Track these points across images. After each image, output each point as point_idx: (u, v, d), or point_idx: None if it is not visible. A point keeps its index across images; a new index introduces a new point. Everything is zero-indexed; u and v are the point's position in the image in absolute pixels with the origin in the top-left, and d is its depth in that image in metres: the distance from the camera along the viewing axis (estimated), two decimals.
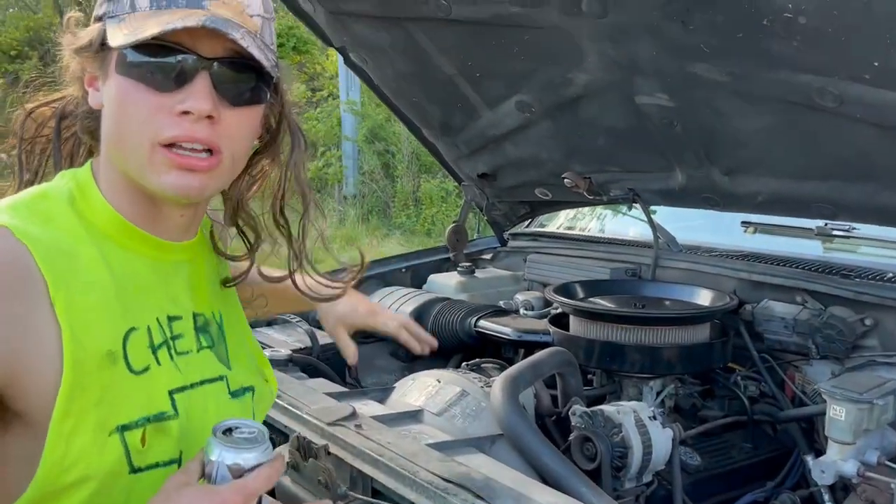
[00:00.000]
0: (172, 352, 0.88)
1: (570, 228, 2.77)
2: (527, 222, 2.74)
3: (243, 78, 0.85)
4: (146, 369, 0.84)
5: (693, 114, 1.75)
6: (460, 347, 2.19)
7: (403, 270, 2.56)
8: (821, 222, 2.02)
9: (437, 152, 2.44)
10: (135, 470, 0.81)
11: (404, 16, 1.84)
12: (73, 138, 0.98)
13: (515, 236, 2.67)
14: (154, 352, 0.86)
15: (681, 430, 1.57)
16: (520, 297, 2.35)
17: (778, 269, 1.93)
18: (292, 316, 2.12)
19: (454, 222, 2.66)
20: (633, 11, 1.51)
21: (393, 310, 2.27)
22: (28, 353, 0.76)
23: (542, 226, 2.78)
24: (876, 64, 1.35)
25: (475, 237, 2.81)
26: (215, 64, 0.82)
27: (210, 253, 1.02)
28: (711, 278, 2.03)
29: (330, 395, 1.57)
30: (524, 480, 1.20)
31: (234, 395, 0.96)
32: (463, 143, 2.30)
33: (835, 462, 1.51)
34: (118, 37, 0.81)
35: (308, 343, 1.94)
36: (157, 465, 0.83)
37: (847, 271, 1.84)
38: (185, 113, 0.81)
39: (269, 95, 0.90)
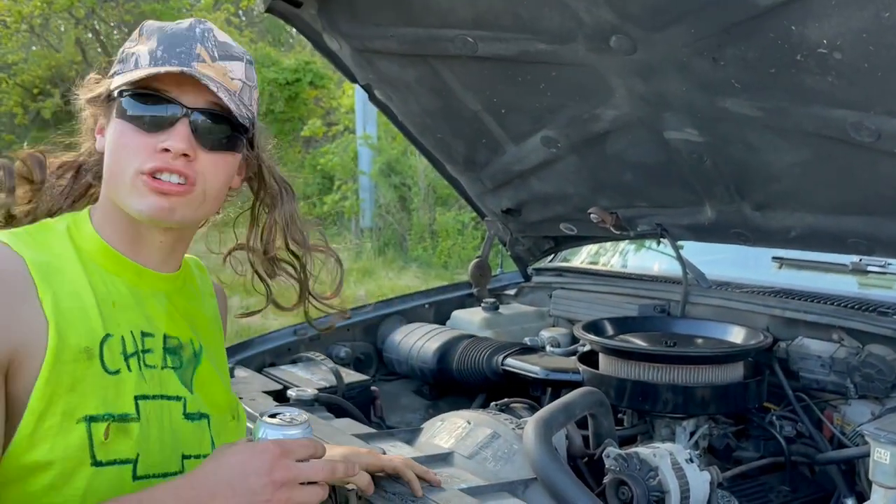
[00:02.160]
0: (141, 363, 0.99)
1: (593, 263, 2.74)
2: (550, 257, 2.71)
3: (218, 127, 1.01)
4: (117, 372, 0.95)
5: (724, 149, 1.73)
6: (485, 385, 2.16)
7: (426, 307, 2.54)
8: (855, 258, 1.98)
9: (460, 188, 2.43)
10: (96, 462, 0.90)
11: (430, 53, 1.85)
12: (86, 186, 1.13)
13: (539, 271, 2.65)
14: (126, 359, 0.96)
15: (718, 474, 1.52)
16: (545, 333, 2.32)
17: (812, 305, 1.89)
18: (317, 354, 2.10)
19: (477, 257, 2.64)
20: (662, 48, 1.51)
21: (418, 347, 2.25)
22: (25, 341, 0.88)
23: (567, 260, 2.75)
24: None
25: (497, 272, 2.79)
26: (195, 113, 0.98)
27: (190, 295, 1.13)
28: (743, 315, 2.00)
29: (357, 436, 1.54)
30: None
31: (189, 416, 1.04)
32: (487, 179, 2.30)
33: None
34: (116, 82, 1.00)
35: (333, 382, 1.92)
36: (115, 462, 0.91)
37: (884, 308, 1.80)
38: (166, 151, 0.96)
39: (243, 146, 1.06)
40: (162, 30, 1.02)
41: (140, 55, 1.00)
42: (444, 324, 2.48)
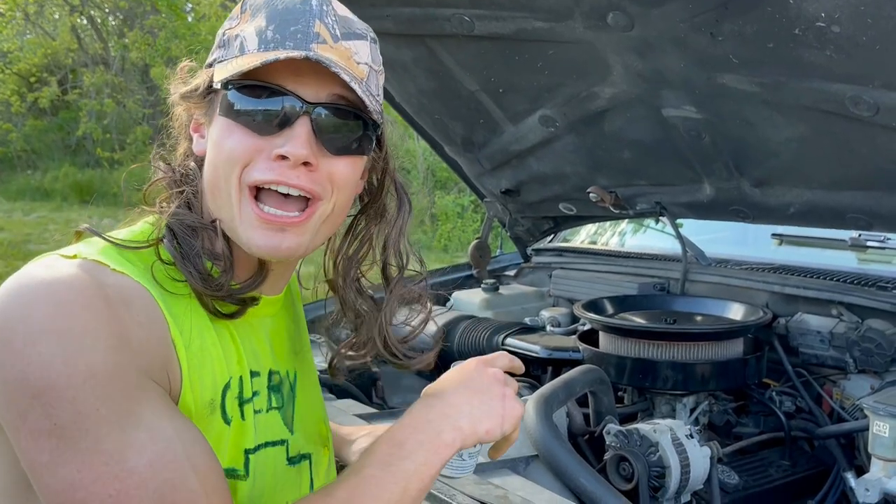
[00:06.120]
0: (253, 409, 0.85)
1: (592, 243, 2.75)
2: (549, 237, 2.71)
3: (346, 125, 0.81)
4: (232, 422, 0.82)
5: (722, 125, 1.73)
6: None
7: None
8: (854, 233, 1.98)
9: (459, 169, 2.43)
10: None
11: (427, 33, 1.84)
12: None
13: (539, 252, 2.65)
14: (241, 406, 0.83)
15: (718, 449, 1.53)
16: (545, 313, 2.32)
17: (811, 281, 1.90)
18: (317, 336, 2.10)
19: (477, 238, 2.64)
20: (659, 24, 1.50)
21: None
22: (171, 375, 0.75)
23: (566, 241, 2.75)
24: None
25: (497, 253, 2.79)
26: (318, 109, 0.79)
27: (290, 310, 1.00)
28: (742, 292, 2.00)
29: (359, 416, 1.55)
30: (561, 502, 1.17)
31: (292, 461, 0.93)
32: (486, 159, 2.29)
33: (879, 479, 1.46)
34: (221, 73, 0.80)
35: None
36: None
37: (883, 283, 1.81)
38: (282, 158, 0.78)
39: (372, 147, 0.87)
40: (270, 3, 0.81)
41: (246, 37, 0.81)
42: (444, 305, 2.48)
